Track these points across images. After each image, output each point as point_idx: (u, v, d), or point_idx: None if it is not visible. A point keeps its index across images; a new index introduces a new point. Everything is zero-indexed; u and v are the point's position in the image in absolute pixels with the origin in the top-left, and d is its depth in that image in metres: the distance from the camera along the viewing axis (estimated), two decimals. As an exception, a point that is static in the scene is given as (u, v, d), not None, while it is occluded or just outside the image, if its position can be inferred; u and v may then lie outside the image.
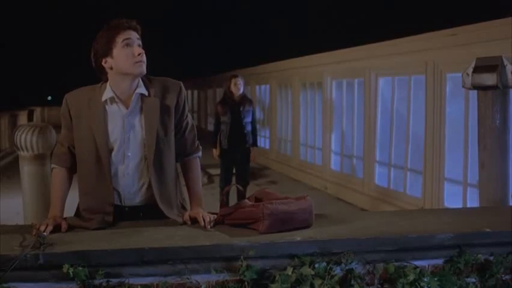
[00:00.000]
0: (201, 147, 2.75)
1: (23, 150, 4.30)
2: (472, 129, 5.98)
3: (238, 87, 7.39)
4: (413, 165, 7.92)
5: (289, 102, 13.03)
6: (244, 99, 7.50)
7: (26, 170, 4.36)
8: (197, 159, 2.73)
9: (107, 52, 2.48)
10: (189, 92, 25.90)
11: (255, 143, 7.63)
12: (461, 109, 6.71)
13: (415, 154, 7.84)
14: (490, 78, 3.33)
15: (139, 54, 2.46)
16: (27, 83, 45.80)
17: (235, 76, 7.50)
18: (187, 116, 2.68)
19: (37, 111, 27.08)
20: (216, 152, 7.62)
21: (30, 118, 22.79)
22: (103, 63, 2.51)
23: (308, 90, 11.81)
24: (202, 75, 24.38)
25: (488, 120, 3.37)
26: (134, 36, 2.50)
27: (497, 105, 3.35)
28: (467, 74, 3.47)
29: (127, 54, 2.46)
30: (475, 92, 3.57)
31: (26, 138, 4.25)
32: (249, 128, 7.45)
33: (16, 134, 4.33)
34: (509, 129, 3.39)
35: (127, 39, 2.47)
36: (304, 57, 11.93)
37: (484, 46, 5.86)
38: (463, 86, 3.60)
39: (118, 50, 2.47)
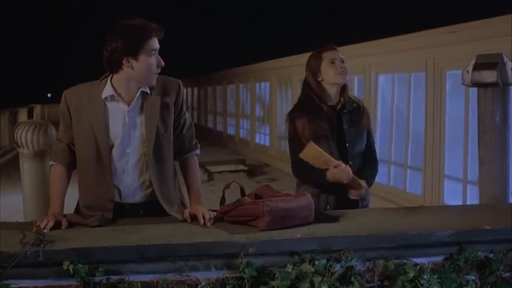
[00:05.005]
0: (199, 145, 2.76)
1: (23, 147, 4.29)
2: (472, 126, 5.98)
3: (341, 72, 3.11)
4: (413, 162, 7.92)
5: (289, 99, 13.03)
6: (350, 103, 3.30)
7: (26, 167, 4.35)
8: (195, 157, 2.74)
9: (135, 53, 2.42)
10: (189, 89, 25.83)
11: (371, 178, 3.38)
12: (461, 106, 6.71)
13: (415, 151, 7.84)
14: (490, 76, 3.32)
15: (159, 67, 2.48)
16: (27, 80, 45.76)
17: (332, 48, 3.21)
18: (185, 113, 2.68)
19: (37, 109, 27.07)
20: None
21: (30, 115, 22.79)
22: (123, 61, 2.44)
23: (308, 88, 11.78)
24: (202, 73, 24.35)
25: (488, 118, 3.36)
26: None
27: (497, 102, 3.35)
28: (467, 71, 3.46)
29: (151, 64, 2.45)
30: (475, 89, 3.56)
31: (26, 136, 4.24)
32: (360, 161, 3.25)
33: (16, 131, 4.32)
34: (510, 126, 3.38)
35: (155, 49, 2.46)
36: (304, 55, 11.88)
37: (483, 43, 5.86)
38: (463, 83, 3.60)
39: (144, 56, 2.43)
